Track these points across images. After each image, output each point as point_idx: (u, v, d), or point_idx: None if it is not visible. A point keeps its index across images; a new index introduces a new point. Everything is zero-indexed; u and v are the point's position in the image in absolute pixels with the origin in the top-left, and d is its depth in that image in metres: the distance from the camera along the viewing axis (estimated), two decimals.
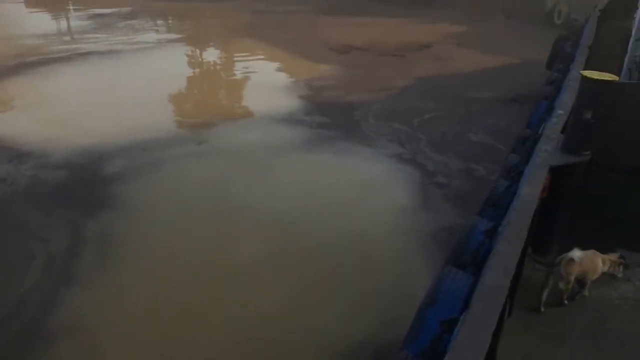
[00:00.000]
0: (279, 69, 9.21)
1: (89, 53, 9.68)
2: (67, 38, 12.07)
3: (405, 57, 10.03)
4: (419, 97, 7.41)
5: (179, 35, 12.81)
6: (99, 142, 5.50)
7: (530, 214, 2.11)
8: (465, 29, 13.21)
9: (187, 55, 10.87)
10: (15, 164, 4.94)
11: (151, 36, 12.42)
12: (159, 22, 15.26)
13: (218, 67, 10.06)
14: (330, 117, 6.52)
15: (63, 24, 15.76)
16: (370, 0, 17.59)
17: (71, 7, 18.54)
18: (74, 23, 15.41)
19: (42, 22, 15.90)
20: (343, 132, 6.07)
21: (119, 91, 7.63)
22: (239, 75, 9.17)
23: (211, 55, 10.94)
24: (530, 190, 2.30)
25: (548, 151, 2.70)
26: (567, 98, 3.41)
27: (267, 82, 8.37)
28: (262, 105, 7.13)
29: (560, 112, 3.22)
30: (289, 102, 7.19)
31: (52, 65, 8.79)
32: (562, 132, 2.89)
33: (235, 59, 10.29)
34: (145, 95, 7.47)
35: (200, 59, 10.61)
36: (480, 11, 14.84)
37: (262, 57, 10.20)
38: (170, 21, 15.47)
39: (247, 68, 9.40)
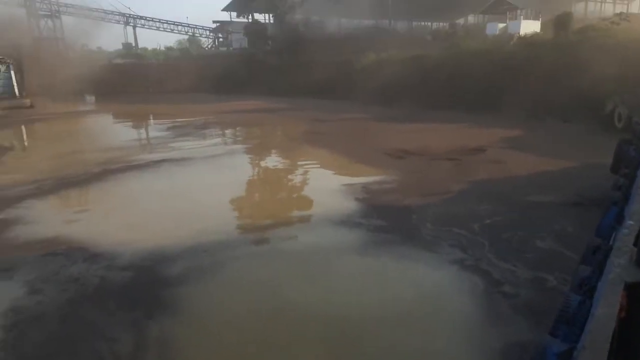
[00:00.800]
0: (337, 173, 9.56)
1: (164, 160, 10.61)
2: (145, 147, 13.42)
3: (459, 161, 10.15)
4: (477, 201, 7.33)
5: (244, 144, 13.94)
6: (164, 244, 5.76)
7: (608, 337, 1.94)
8: (520, 132, 13.33)
9: (251, 162, 11.64)
10: (88, 264, 5.25)
11: (219, 145, 13.57)
12: (228, 131, 16.71)
13: (279, 172, 10.62)
14: (388, 221, 6.54)
15: (143, 133, 17.65)
16: (424, 107, 18.45)
17: (151, 119, 20.88)
18: (152, 133, 17.21)
19: (126, 132, 17.91)
20: (401, 236, 6.04)
21: (186, 196, 8.17)
22: (298, 179, 9.62)
23: (273, 161, 11.64)
24: (606, 310, 2.14)
25: (622, 265, 2.54)
26: (637, 208, 3.27)
27: (325, 185, 8.67)
28: (320, 208, 7.32)
29: (631, 222, 3.07)
30: (346, 205, 7.34)
31: (131, 172, 9.65)
32: (635, 244, 2.73)
33: (296, 164, 10.86)
34: (210, 199, 7.92)
35: (262, 165, 11.29)
36: (535, 115, 15.01)
37: (320, 162, 10.71)
38: (237, 131, 16.90)
39: (306, 173, 9.89)
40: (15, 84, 23.66)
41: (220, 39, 44.70)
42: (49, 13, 40.01)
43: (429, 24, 44.16)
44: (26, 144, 15.61)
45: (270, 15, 37.66)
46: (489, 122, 14.91)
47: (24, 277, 4.86)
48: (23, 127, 17.95)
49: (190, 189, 8.67)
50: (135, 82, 31.75)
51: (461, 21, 42.18)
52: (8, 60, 23.76)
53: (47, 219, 6.84)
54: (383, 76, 22.25)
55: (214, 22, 45.99)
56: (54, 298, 4.53)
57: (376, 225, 6.43)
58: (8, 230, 6.20)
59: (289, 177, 9.99)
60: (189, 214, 7.10)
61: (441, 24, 46.43)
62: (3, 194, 7.86)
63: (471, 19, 38.75)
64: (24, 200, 7.54)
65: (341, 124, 16.60)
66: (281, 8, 35.01)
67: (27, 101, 23.57)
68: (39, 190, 8.15)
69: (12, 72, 23.63)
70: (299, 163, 10.80)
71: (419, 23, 44.21)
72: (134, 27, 42.03)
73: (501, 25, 24.67)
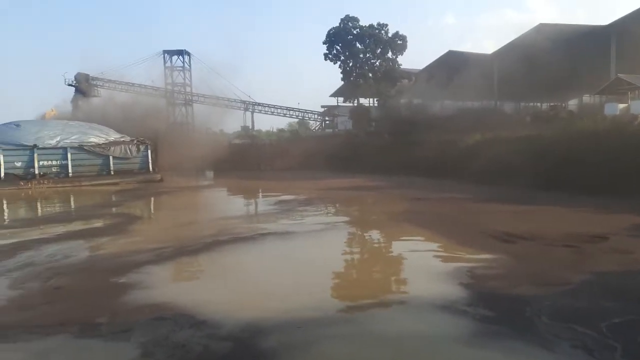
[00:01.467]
0: (438, 255, 9.17)
1: (269, 233, 11.12)
2: (253, 220, 14.27)
3: (578, 248, 9.15)
4: (601, 295, 6.45)
5: (345, 220, 14.14)
6: (261, 316, 5.84)
7: None
8: None
9: (351, 238, 11.71)
10: (193, 331, 5.47)
11: (321, 220, 13.94)
12: (329, 207, 17.19)
13: (377, 249, 10.52)
14: (496, 311, 5.99)
15: (252, 207, 18.88)
16: (534, 188, 17.32)
17: (260, 194, 22.33)
18: (260, 207, 18.33)
19: (237, 205, 19.34)
20: (513, 329, 5.45)
21: (287, 269, 8.39)
22: (397, 259, 9.40)
23: (372, 239, 11.61)
24: None
25: None
26: None
27: (425, 267, 8.34)
28: (420, 291, 7.00)
29: None
30: (448, 289, 6.93)
31: (238, 243, 10.22)
32: None
33: (395, 243, 10.68)
34: (309, 274, 8.03)
35: (361, 243, 11.29)
36: None
37: (421, 242, 10.41)
38: (339, 207, 17.31)
39: (406, 252, 9.63)
40: (150, 161, 27.15)
41: (327, 122, 47.53)
42: (184, 102, 46.37)
43: (539, 105, 42.74)
44: (152, 213, 17.52)
45: (375, 99, 39.50)
46: (611, 207, 13.44)
47: (139, 339, 5.20)
48: (152, 199, 20.27)
49: (291, 262, 8.91)
50: (249, 160, 34.66)
51: (575, 102, 40.27)
52: (147, 142, 27.55)
53: (161, 285, 7.39)
54: (489, 156, 21.59)
55: (322, 106, 49.38)
56: None
57: (483, 314, 5.93)
58: (127, 294, 6.79)
59: (388, 256, 9.81)
60: (287, 287, 7.23)
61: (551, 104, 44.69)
62: (129, 260, 8.70)
63: (586, 99, 36.79)
64: (143, 266, 8.25)
65: (443, 203, 16.16)
66: (385, 93, 36.65)
67: (158, 176, 26.79)
68: (158, 257, 8.88)
69: (149, 151, 27.22)
70: (399, 242, 10.60)
71: (528, 104, 43.02)
72: (252, 112, 46.68)
73: (621, 105, 23.13)
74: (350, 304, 6.58)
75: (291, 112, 47.37)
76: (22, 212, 17.58)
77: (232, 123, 45.86)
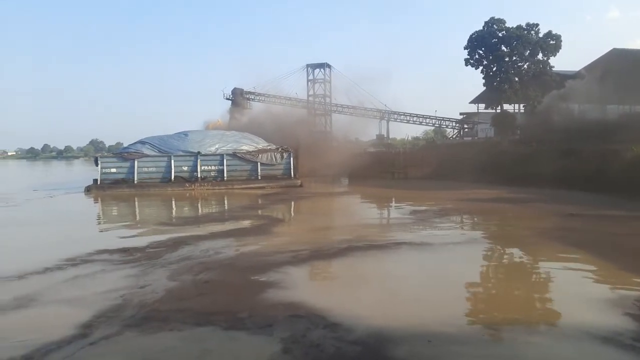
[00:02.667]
0: (595, 279, 8.16)
1: (404, 243, 11.09)
2: (387, 228, 14.39)
3: None
4: None
5: (483, 233, 13.36)
6: (392, 325, 5.86)
7: None
8: None
9: (490, 254, 11.07)
10: (326, 332, 5.72)
11: (457, 232, 13.42)
12: (466, 219, 16.44)
13: (521, 268, 9.73)
14: None
15: (385, 215, 18.97)
16: None
17: (393, 202, 22.32)
18: (394, 215, 18.33)
19: (371, 212, 19.62)
20: None
21: (420, 281, 8.30)
22: (544, 279, 8.62)
23: (515, 255, 10.79)
24: None
25: None
26: None
27: (579, 291, 7.51)
28: (573, 317, 6.33)
29: None
30: (610, 320, 6.13)
31: (372, 250, 10.40)
32: None
33: (542, 262, 9.79)
34: (443, 287, 7.83)
35: (502, 259, 10.60)
36: None
37: (573, 262, 9.37)
38: (476, 219, 16.44)
39: (554, 273, 8.77)
40: (292, 167, 29.10)
41: (466, 129, 45.44)
42: (324, 112, 48.73)
43: None
44: (293, 217, 18.77)
45: (521, 105, 36.58)
46: None
47: (280, 335, 5.64)
48: (292, 203, 21.70)
49: (426, 274, 8.79)
50: (383, 168, 34.84)
51: None
52: (290, 149, 29.60)
53: (297, 285, 7.88)
54: None
55: (461, 114, 47.35)
56: None
57: None
58: (266, 291, 7.40)
59: (534, 276, 9.04)
60: (421, 299, 7.16)
61: None
62: (271, 259, 9.44)
63: None
64: (283, 266, 8.88)
65: (603, 221, 14.21)
66: (534, 98, 33.68)
67: (298, 181, 28.55)
68: (295, 259, 9.47)
69: (291, 159, 29.20)
70: (547, 262, 9.67)
71: None
72: (387, 120, 46.94)
73: None
74: (488, 324, 6.24)
75: (427, 120, 46.42)
76: (187, 211, 20.28)
77: (368, 132, 46.69)
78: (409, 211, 17.67)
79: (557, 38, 33.09)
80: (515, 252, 11.06)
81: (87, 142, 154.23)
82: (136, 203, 22.80)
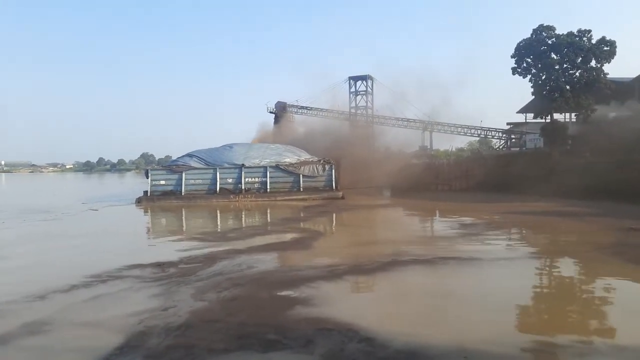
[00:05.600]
0: None
1: (450, 258, 10.78)
2: (432, 243, 14.04)
3: None
4: None
5: (535, 248, 12.80)
6: (428, 342, 5.72)
7: None
8: None
9: (543, 269, 10.58)
10: (363, 345, 5.67)
11: (507, 247, 12.94)
12: (515, 233, 15.82)
13: (576, 286, 9.21)
14: None
15: (429, 229, 18.58)
16: None
17: (437, 215, 21.85)
18: (438, 229, 17.91)
19: (414, 226, 19.26)
20: None
21: (465, 297, 8.01)
22: (601, 298, 8.12)
23: (569, 272, 10.26)
24: None
25: None
26: None
27: (636, 309, 7.05)
28: (630, 337, 5.95)
29: None
30: None
31: (415, 265, 10.18)
32: None
33: (598, 279, 9.23)
34: (489, 305, 7.54)
35: (556, 276, 10.10)
36: None
37: (628, 279, 8.84)
38: (526, 233, 15.78)
39: (612, 292, 8.27)
40: (334, 179, 29.16)
41: (513, 140, 43.98)
42: (365, 124, 48.64)
43: None
44: (334, 230, 18.71)
45: (573, 114, 35.05)
46: None
47: (319, 351, 5.59)
48: (334, 215, 21.68)
49: (471, 291, 8.49)
50: (426, 180, 34.26)
51: None
52: (331, 161, 29.71)
53: (329, 300, 7.70)
54: None
55: (508, 124, 45.92)
56: None
57: None
58: (296, 309, 7.22)
59: (590, 294, 8.53)
60: (463, 316, 6.92)
61: None
62: (304, 274, 9.32)
63: None
64: (315, 281, 8.73)
65: None
66: (587, 107, 32.18)
67: (340, 193, 28.55)
68: (331, 274, 9.30)
69: (333, 170, 29.28)
70: (605, 279, 9.11)
71: None
72: (430, 131, 46.22)
73: None
74: (536, 343, 5.95)
75: (472, 131, 45.32)
76: (229, 223, 20.67)
77: (411, 143, 46.10)
78: (455, 224, 17.21)
79: (612, 44, 31.54)
80: (569, 268, 10.51)
81: (139, 156, 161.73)
82: (183, 215, 23.55)
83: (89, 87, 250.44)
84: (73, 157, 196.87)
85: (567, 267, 10.61)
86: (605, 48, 31.66)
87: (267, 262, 10.72)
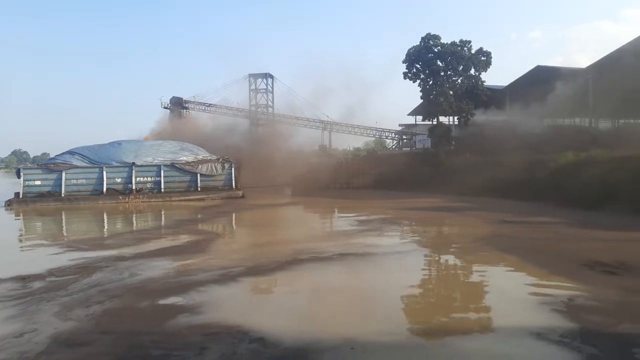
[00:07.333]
0: (526, 283, 8.52)
1: (349, 254, 11.01)
2: (331, 239, 14.25)
3: None
4: None
5: (424, 242, 13.71)
6: (319, 337, 5.78)
7: None
8: None
9: (431, 262, 11.30)
10: (255, 346, 5.56)
11: (399, 241, 13.66)
12: (407, 228, 16.78)
13: (459, 275, 10.03)
14: (599, 349, 5.42)
15: (329, 226, 18.96)
16: (636, 212, 15.59)
17: (337, 212, 22.42)
18: (338, 226, 18.35)
19: (315, 224, 19.53)
20: None
21: (358, 292, 8.19)
22: (479, 285, 8.86)
23: (454, 262, 11.09)
24: None
25: None
26: None
27: (511, 294, 7.79)
28: (507, 319, 6.54)
29: None
30: (538, 317, 6.43)
31: (314, 263, 10.21)
32: None
33: (477, 268, 10.10)
34: (379, 297, 7.78)
35: (442, 266, 10.84)
36: None
37: (505, 268, 9.78)
38: (417, 228, 16.83)
39: (488, 278, 9.09)
40: (233, 178, 28.49)
41: (405, 140, 46.88)
42: (265, 122, 48.35)
43: None
44: (233, 231, 18.21)
45: (455, 117, 38.32)
46: None
47: (212, 357, 5.30)
48: (233, 215, 21.15)
49: (364, 285, 8.73)
50: (326, 178, 35.04)
51: None
52: (231, 160, 29.00)
53: (220, 304, 7.34)
54: (583, 177, 19.90)
55: (400, 125, 48.82)
56: None
57: (582, 350, 5.38)
58: (185, 316, 6.72)
59: (470, 282, 9.29)
60: (355, 310, 7.07)
61: None
62: (194, 279, 8.68)
63: None
64: (207, 285, 8.22)
65: (532, 227, 15.05)
66: (467, 111, 35.39)
67: (240, 192, 28.00)
68: (224, 277, 8.84)
69: (233, 169, 28.60)
70: (482, 268, 10.01)
71: (629, 121, 39.31)
72: (330, 131, 47.41)
73: None
74: (423, 329, 6.28)
75: (368, 131, 47.41)
76: (117, 226, 18.96)
77: (311, 142, 46.83)
78: (353, 221, 17.77)
79: (488, 55, 35.14)
80: (454, 259, 11.37)
81: (9, 153, 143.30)
82: (62, 218, 21.20)
83: None
84: None
85: (451, 258, 11.47)
86: (483, 58, 35.13)
87: (154, 268, 9.69)
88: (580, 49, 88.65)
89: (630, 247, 11.61)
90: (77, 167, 26.67)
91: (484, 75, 35.68)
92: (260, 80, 48.80)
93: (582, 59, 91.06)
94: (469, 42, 35.36)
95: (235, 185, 28.54)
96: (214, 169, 28.31)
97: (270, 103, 48.84)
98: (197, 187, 27.72)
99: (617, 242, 12.21)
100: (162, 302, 7.41)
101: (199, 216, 20.68)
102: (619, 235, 13.08)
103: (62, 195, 25.66)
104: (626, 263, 9.37)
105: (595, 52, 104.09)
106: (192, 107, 48.72)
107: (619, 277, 8.54)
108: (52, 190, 25.81)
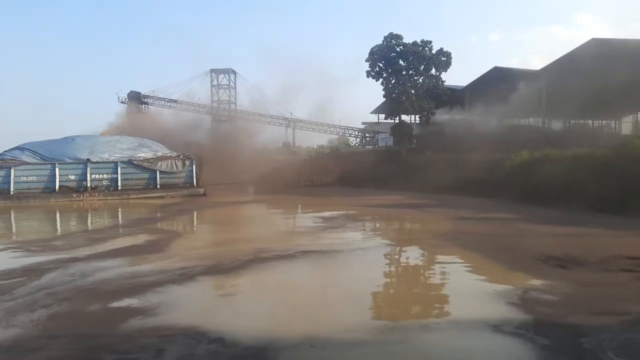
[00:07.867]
0: (485, 277, 8.78)
1: (312, 251, 11.01)
2: (294, 237, 14.19)
3: (637, 273, 8.51)
4: None
5: (386, 238, 13.91)
6: (279, 335, 5.74)
7: None
8: None
9: (393, 257, 11.47)
10: (213, 346, 5.44)
11: (362, 238, 13.75)
12: (371, 225, 16.93)
13: (420, 271, 10.20)
14: (551, 339, 5.61)
15: (293, 224, 18.87)
16: (587, 209, 16.39)
17: (300, 210, 22.35)
18: (301, 224, 18.30)
19: (278, 221, 19.37)
20: None
21: (320, 288, 8.21)
22: (440, 280, 9.06)
23: (415, 258, 11.28)
24: None
25: None
26: None
27: (470, 289, 7.99)
28: (464, 311, 6.72)
29: None
30: (495, 310, 6.62)
31: (277, 261, 10.12)
32: None
33: (437, 264, 10.33)
34: (341, 294, 7.81)
35: (404, 262, 11.01)
36: None
37: (465, 263, 10.01)
38: (380, 225, 17.03)
39: (449, 273, 9.29)
40: (194, 175, 27.87)
41: (367, 138, 47.34)
42: (228, 119, 47.59)
43: (590, 122, 41.15)
44: (194, 229, 17.81)
45: (417, 116, 39.00)
46: None
47: (169, 359, 5.16)
48: (194, 213, 20.68)
49: (327, 281, 8.77)
50: (289, 176, 34.87)
51: (630, 119, 38.65)
52: (192, 157, 28.35)
53: (177, 305, 7.17)
54: (537, 175, 20.71)
55: (363, 123, 49.27)
56: None
57: (536, 340, 5.57)
58: (140, 319, 6.47)
59: (431, 277, 9.47)
60: (316, 307, 7.09)
61: (603, 122, 42.86)
62: (151, 280, 8.38)
63: None
64: (164, 286, 7.96)
65: (489, 223, 15.53)
66: (428, 110, 36.10)
67: (202, 190, 27.40)
68: (183, 277, 8.57)
69: (194, 166, 27.97)
70: (442, 264, 10.21)
71: (578, 122, 41.33)
72: (293, 128, 47.24)
73: None
74: (386, 326, 6.34)
75: (332, 129, 47.56)
76: (69, 226, 18.23)
77: (274, 139, 46.53)
78: (316, 218, 17.77)
79: (448, 55, 35.94)
80: (415, 255, 11.56)
81: None
82: (11, 218, 20.05)
83: None
84: None
85: (412, 254, 11.66)
86: (443, 58, 35.90)
87: (108, 269, 9.27)
88: (536, 51, 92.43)
89: (580, 242, 12.16)
90: (27, 163, 25.32)
91: (444, 75, 36.46)
92: (222, 76, 47.95)
93: (537, 60, 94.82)
94: (430, 42, 36.03)
95: (197, 183, 27.91)
96: (174, 166, 27.58)
97: (232, 99, 48.10)
98: (156, 184, 26.91)
99: (568, 237, 12.79)
100: (115, 304, 7.09)
101: (158, 214, 20.08)
102: (571, 230, 13.69)
103: (11, 193, 24.32)
104: (577, 257, 9.81)
105: (548, 55, 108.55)
106: (152, 102, 47.30)
107: (570, 271, 8.92)
108: (0, 188, 24.42)
